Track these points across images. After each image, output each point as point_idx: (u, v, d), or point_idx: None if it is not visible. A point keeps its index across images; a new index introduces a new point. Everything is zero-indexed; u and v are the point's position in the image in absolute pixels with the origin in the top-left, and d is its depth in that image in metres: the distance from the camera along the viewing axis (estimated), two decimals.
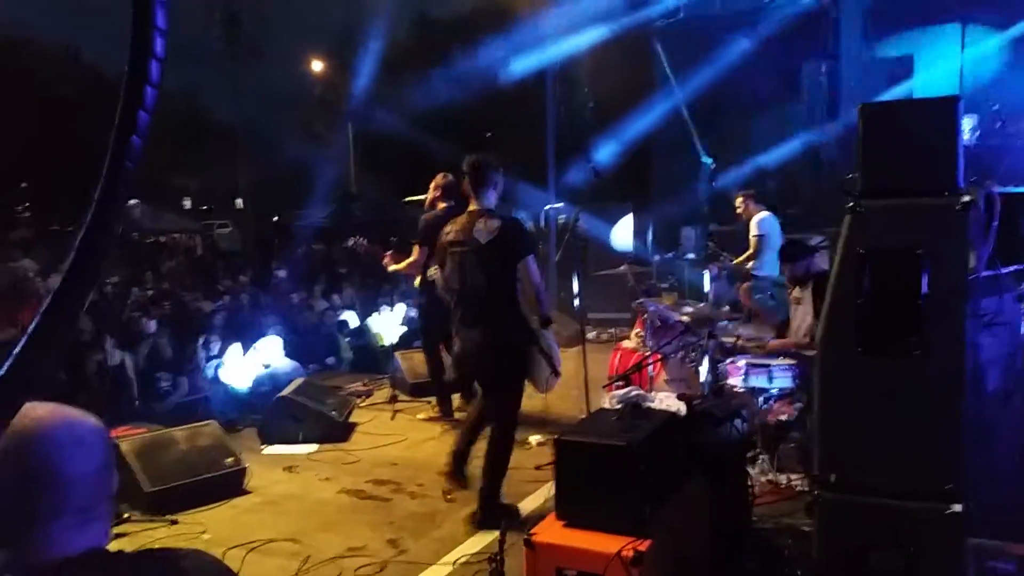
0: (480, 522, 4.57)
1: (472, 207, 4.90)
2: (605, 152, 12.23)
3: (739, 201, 8.24)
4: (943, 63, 10.05)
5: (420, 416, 7.09)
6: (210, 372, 7.59)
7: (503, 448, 4.73)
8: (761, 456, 5.09)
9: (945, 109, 2.78)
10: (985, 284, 3.21)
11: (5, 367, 0.87)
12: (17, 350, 0.88)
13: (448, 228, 5.00)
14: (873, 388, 2.78)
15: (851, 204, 2.79)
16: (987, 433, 3.47)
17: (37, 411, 1.29)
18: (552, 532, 3.11)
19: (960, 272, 2.68)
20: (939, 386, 2.70)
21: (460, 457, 5.07)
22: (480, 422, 5.01)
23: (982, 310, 3.20)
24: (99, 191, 0.90)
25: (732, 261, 8.40)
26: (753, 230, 8.29)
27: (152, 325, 7.91)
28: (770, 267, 7.90)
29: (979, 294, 2.90)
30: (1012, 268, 4.28)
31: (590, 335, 10.03)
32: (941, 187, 2.71)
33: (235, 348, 7.74)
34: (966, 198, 2.64)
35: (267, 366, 7.70)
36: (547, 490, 4.55)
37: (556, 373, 4.77)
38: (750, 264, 8.19)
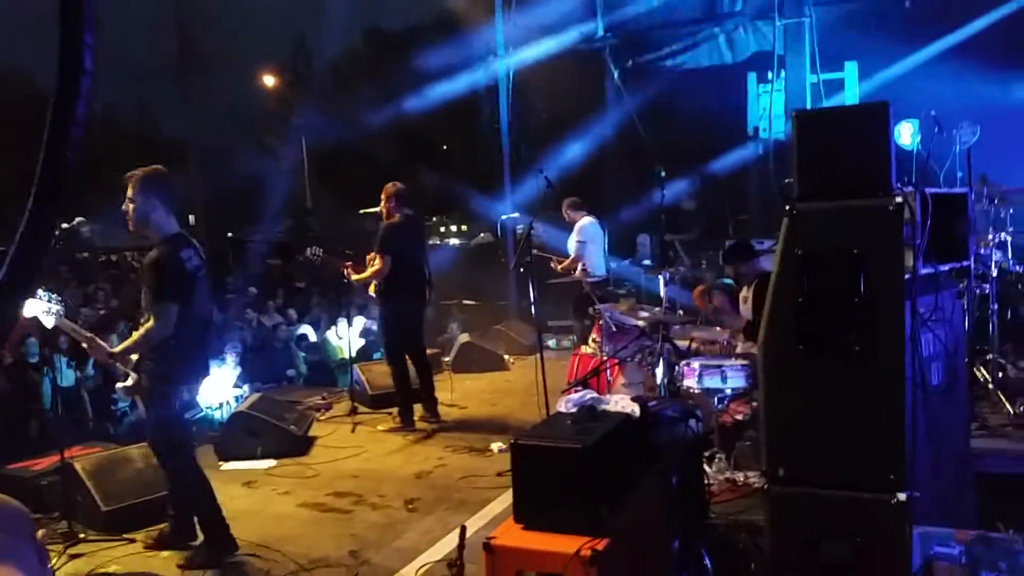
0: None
1: None
2: (559, 162, 12.36)
3: (564, 208, 8.61)
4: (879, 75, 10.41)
5: (381, 427, 7.08)
6: None
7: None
8: (718, 455, 5.19)
9: (876, 114, 2.91)
10: (923, 282, 3.33)
11: None
12: None
13: None
14: (816, 385, 2.88)
15: (788, 207, 2.89)
16: (932, 425, 3.59)
17: None
18: (511, 535, 3.15)
19: (896, 271, 2.79)
20: (880, 382, 2.80)
21: None
22: None
23: (921, 307, 3.32)
24: (32, 199, 0.93)
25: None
26: (575, 236, 8.77)
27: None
28: (598, 268, 8.65)
29: (917, 292, 3.02)
30: (950, 266, 4.45)
31: (550, 342, 10.13)
32: (875, 189, 2.83)
33: None
34: (898, 199, 2.76)
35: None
36: (509, 495, 4.59)
37: None
38: (578, 269, 8.61)
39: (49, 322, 4.18)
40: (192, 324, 4.19)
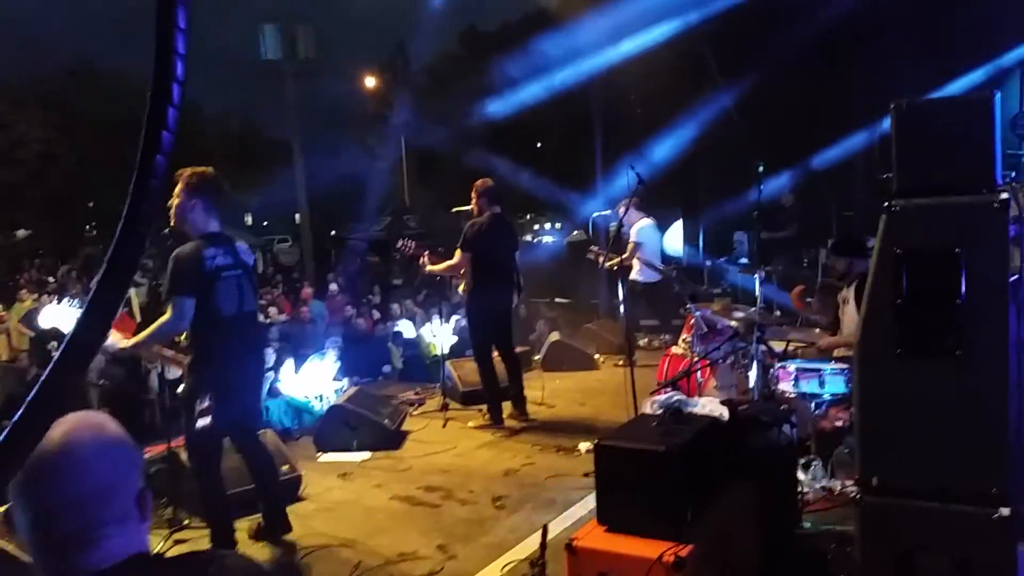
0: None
1: None
2: (654, 157, 12.19)
3: (620, 208, 8.35)
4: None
5: (471, 424, 7.16)
6: (266, 384, 7.79)
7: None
8: (815, 462, 5.02)
9: (980, 106, 2.74)
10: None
11: (41, 382, 0.95)
12: (49, 368, 0.96)
13: None
14: (914, 390, 2.74)
15: (886, 204, 2.76)
16: None
17: (57, 430, 1.33)
18: (594, 537, 3.14)
19: (1000, 271, 2.63)
20: (982, 387, 2.65)
21: None
22: None
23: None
24: (126, 209, 0.98)
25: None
26: (633, 236, 8.92)
27: None
28: (647, 273, 8.61)
29: (1021, 292, 2.84)
30: None
31: (641, 342, 10.01)
32: (978, 185, 2.68)
33: (289, 363, 7.95)
34: (1003, 195, 2.60)
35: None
36: (594, 497, 4.57)
37: None
38: (635, 270, 8.78)
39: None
40: (216, 324, 4.22)
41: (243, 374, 4.46)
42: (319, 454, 6.48)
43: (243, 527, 4.90)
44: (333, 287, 13.40)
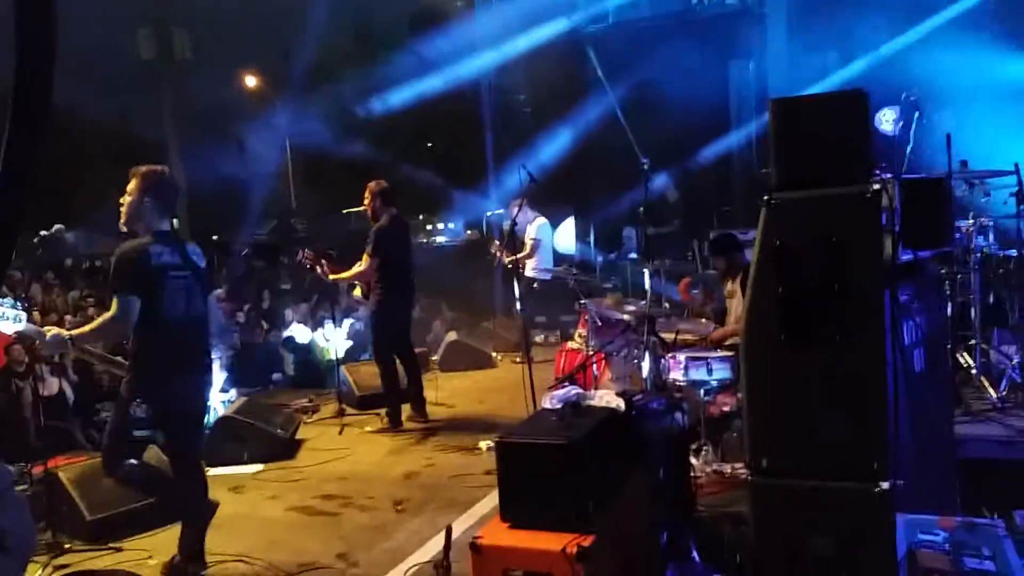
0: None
1: None
2: (543, 156, 12.33)
3: (514, 208, 8.48)
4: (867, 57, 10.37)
5: (368, 428, 7.06)
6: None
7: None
8: (705, 447, 5.19)
9: (854, 101, 2.90)
10: (903, 269, 3.34)
11: None
12: None
13: None
14: (798, 376, 2.87)
15: (765, 197, 2.88)
16: (915, 412, 3.60)
17: None
18: (498, 534, 3.13)
19: (875, 259, 2.79)
20: (861, 371, 2.79)
21: None
22: None
23: (902, 295, 3.33)
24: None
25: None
26: (531, 233, 9.39)
27: None
28: (542, 271, 9.10)
29: (898, 280, 3.02)
30: (931, 252, 4.47)
31: (537, 338, 10.13)
32: (852, 177, 2.82)
33: None
34: (875, 186, 2.75)
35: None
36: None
37: None
38: (529, 266, 9.19)
39: (8, 329, 4.06)
40: (159, 327, 4.02)
41: (184, 383, 4.19)
42: (208, 468, 6.22)
43: (134, 546, 4.69)
44: (219, 292, 12.91)
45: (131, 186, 4.15)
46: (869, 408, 2.79)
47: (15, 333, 4.17)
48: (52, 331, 4.05)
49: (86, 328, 4.16)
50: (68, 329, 4.27)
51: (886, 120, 8.67)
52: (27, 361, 6.77)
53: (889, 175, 2.90)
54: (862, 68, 10.40)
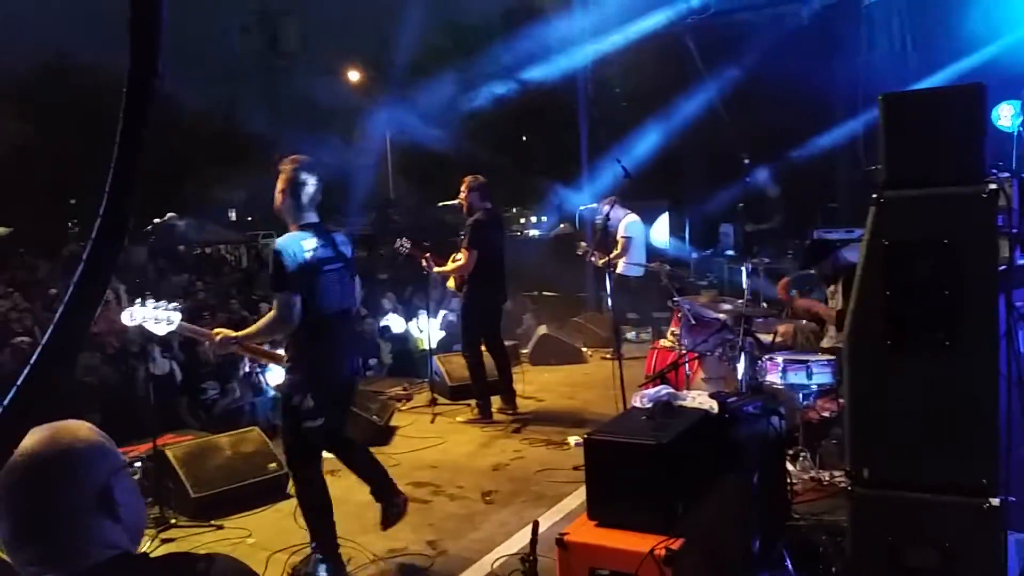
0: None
1: None
2: (639, 150, 12.18)
3: (605, 206, 8.48)
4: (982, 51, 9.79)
5: (459, 419, 7.14)
6: (254, 380, 7.74)
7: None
8: (803, 453, 5.04)
9: (970, 97, 2.74)
10: (1020, 273, 3.14)
11: (23, 377, 0.93)
12: (35, 356, 0.94)
13: None
14: (904, 382, 2.75)
15: (874, 195, 2.76)
16: None
17: (28, 441, 1.36)
18: (584, 531, 3.13)
19: (989, 262, 2.64)
20: (972, 379, 2.66)
21: None
22: None
23: (1018, 300, 3.14)
24: (103, 206, 0.95)
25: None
26: (622, 231, 9.25)
27: None
28: (634, 268, 9.00)
29: (1013, 284, 2.84)
30: None
31: (629, 335, 10.03)
32: (967, 176, 2.68)
33: None
34: (992, 185, 2.60)
35: None
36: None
37: None
38: (621, 264, 9.02)
39: (162, 331, 4.15)
40: (319, 318, 4.05)
41: (342, 375, 4.29)
42: None
43: (234, 525, 4.89)
44: None
45: (281, 178, 4.22)
46: (979, 419, 2.65)
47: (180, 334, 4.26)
48: (220, 334, 4.17)
49: (252, 329, 4.23)
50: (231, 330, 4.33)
51: (1004, 116, 8.23)
52: (139, 343, 7.12)
53: (1007, 174, 2.73)
54: (976, 62, 9.83)
